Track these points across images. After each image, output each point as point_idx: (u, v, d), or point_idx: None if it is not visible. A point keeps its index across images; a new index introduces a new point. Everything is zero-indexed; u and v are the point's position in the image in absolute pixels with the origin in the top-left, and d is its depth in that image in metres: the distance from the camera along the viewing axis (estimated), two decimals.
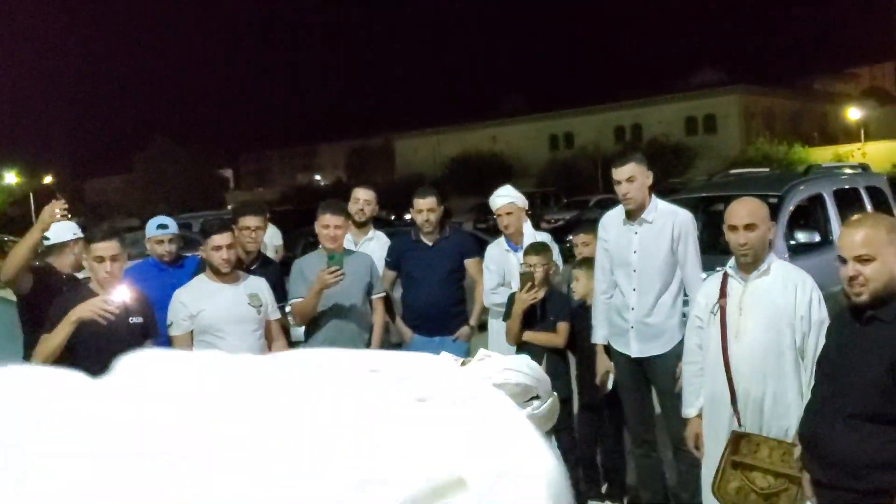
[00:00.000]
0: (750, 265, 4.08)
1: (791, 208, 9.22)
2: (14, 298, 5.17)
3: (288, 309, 5.48)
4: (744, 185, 10.78)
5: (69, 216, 5.04)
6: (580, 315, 5.47)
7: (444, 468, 1.00)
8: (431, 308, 5.95)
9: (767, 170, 14.23)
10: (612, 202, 5.59)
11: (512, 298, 5.44)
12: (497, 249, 6.09)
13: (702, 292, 4.39)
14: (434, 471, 0.99)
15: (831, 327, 3.46)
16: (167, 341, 4.91)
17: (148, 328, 4.67)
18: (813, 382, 3.48)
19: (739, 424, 4.05)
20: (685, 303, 5.00)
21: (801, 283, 4.01)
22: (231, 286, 4.99)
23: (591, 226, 5.65)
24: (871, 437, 2.97)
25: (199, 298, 4.91)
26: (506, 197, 6.01)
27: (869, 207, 10.11)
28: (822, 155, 46.09)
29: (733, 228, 4.07)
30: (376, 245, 6.25)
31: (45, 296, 4.76)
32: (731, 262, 4.20)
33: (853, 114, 52.52)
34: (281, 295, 5.47)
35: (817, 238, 9.20)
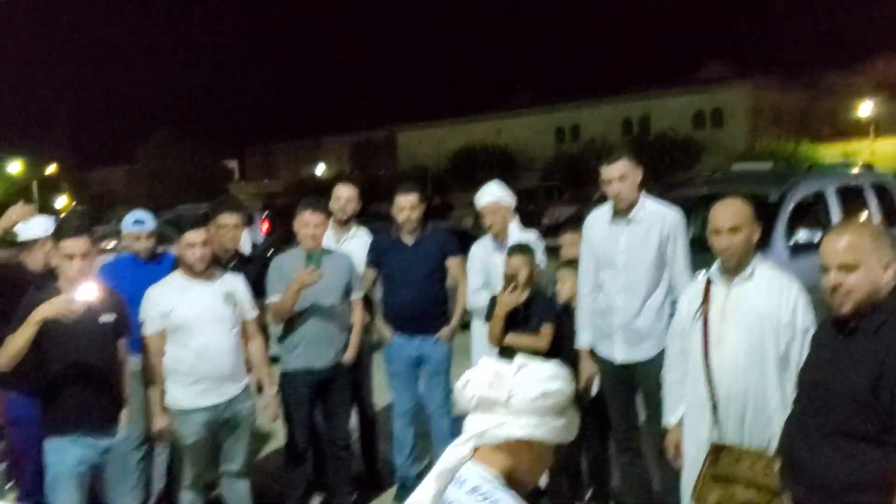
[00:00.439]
0: (733, 269, 3.93)
1: (792, 206, 9.03)
2: None
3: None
4: (745, 182, 10.60)
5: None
6: (565, 318, 5.33)
7: None
8: (412, 308, 5.80)
9: (771, 164, 13.94)
10: None
11: (494, 300, 5.30)
12: (481, 249, 5.94)
13: (685, 297, 4.23)
14: None
15: (814, 339, 3.30)
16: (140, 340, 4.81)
17: (120, 327, 4.54)
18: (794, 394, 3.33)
19: (720, 435, 3.90)
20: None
21: (787, 287, 3.85)
22: (206, 284, 4.86)
23: (577, 225, 5.49)
24: (852, 456, 2.82)
25: (171, 296, 4.78)
26: (491, 195, 5.85)
27: (874, 206, 9.92)
28: (831, 151, 45.73)
29: (717, 232, 3.92)
30: (358, 243, 6.11)
31: (12, 294, 4.64)
32: (715, 265, 4.04)
33: (864, 109, 52.11)
34: (261, 292, 5.36)
35: (819, 237, 9.00)
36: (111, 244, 14.15)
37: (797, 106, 63.34)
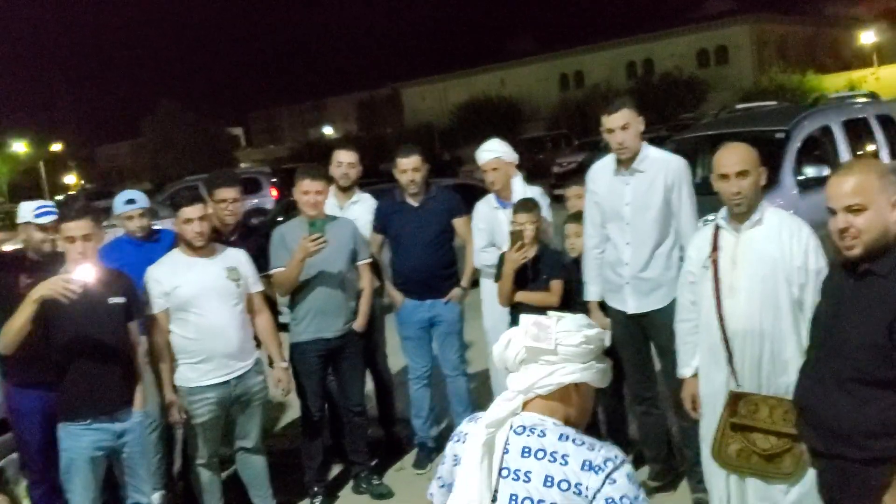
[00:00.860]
0: (743, 215, 3.84)
1: (799, 143, 8.97)
2: None
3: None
4: (751, 121, 10.54)
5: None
6: (576, 272, 5.26)
7: None
8: (420, 272, 5.74)
9: (776, 102, 13.86)
10: None
11: (502, 258, 5.23)
12: (485, 207, 5.84)
13: (693, 246, 4.15)
14: None
15: (825, 283, 3.21)
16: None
17: (131, 308, 4.50)
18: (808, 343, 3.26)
19: (737, 384, 3.85)
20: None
21: (797, 231, 3.77)
22: (207, 260, 4.81)
23: (581, 177, 5.39)
24: (869, 403, 2.75)
25: (173, 274, 4.73)
26: (491, 152, 5.73)
27: (880, 137, 9.87)
28: (836, 82, 45.35)
29: (724, 177, 3.82)
30: (362, 208, 6.02)
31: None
32: (723, 212, 3.96)
33: (866, 38, 51.57)
34: (265, 264, 5.30)
35: (826, 172, 8.92)
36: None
37: (801, 38, 62.61)
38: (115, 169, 68.52)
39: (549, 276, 5.16)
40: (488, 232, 5.76)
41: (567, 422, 2.18)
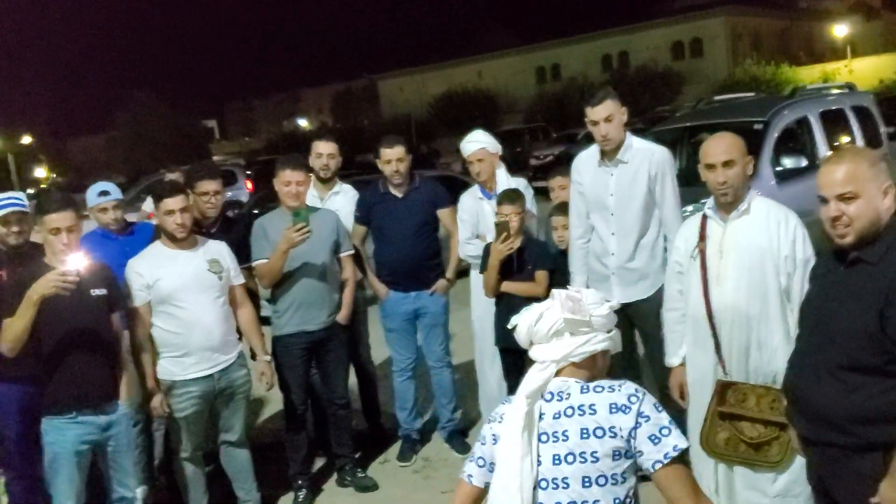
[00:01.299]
0: (730, 205, 3.84)
1: (777, 133, 9.04)
2: None
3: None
4: (729, 112, 10.61)
5: None
6: (562, 263, 5.25)
7: None
8: (405, 263, 5.71)
9: (752, 94, 13.94)
10: None
11: (488, 249, 5.21)
12: (470, 198, 5.82)
13: (680, 236, 4.15)
14: None
15: (814, 271, 3.22)
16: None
17: (113, 300, 4.45)
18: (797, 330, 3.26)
19: (724, 373, 3.86)
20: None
21: (784, 220, 3.77)
22: (188, 252, 4.76)
23: (566, 168, 5.39)
24: (858, 390, 2.75)
25: (154, 267, 4.67)
26: (476, 143, 5.71)
27: (856, 128, 9.97)
28: (810, 74, 45.73)
29: (711, 167, 3.82)
30: (343, 199, 5.97)
31: None
32: (710, 202, 3.95)
33: (839, 30, 52.00)
34: (247, 256, 5.24)
35: (804, 163, 9.03)
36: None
37: (775, 30, 62.99)
38: (89, 162, 67.70)
39: (534, 266, 5.15)
40: (473, 224, 5.74)
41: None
